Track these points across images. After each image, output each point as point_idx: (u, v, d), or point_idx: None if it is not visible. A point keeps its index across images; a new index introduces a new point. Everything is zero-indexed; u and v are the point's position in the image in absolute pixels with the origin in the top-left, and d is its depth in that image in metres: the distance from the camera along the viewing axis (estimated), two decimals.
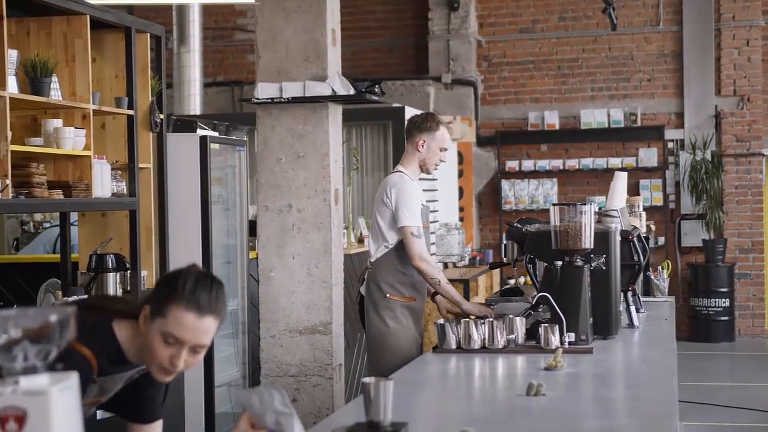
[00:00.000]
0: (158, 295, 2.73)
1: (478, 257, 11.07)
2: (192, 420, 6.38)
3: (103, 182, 5.59)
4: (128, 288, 5.90)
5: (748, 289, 13.03)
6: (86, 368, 2.70)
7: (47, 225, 8.58)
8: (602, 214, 5.36)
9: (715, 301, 12.61)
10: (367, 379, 2.84)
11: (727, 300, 12.64)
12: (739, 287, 12.93)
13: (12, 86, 4.96)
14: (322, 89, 5.66)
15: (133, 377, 2.90)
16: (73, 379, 1.87)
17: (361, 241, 9.01)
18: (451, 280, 9.25)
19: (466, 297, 8.97)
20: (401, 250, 5.30)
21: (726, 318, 12.66)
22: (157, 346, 2.70)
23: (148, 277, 6.15)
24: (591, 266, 4.62)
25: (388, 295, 5.35)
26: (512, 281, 10.36)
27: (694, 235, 12.98)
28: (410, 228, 5.23)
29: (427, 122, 5.44)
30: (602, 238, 4.72)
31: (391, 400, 2.83)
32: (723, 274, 12.67)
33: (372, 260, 5.45)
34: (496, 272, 11.21)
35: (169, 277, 2.79)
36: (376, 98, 5.96)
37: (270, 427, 2.53)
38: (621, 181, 5.86)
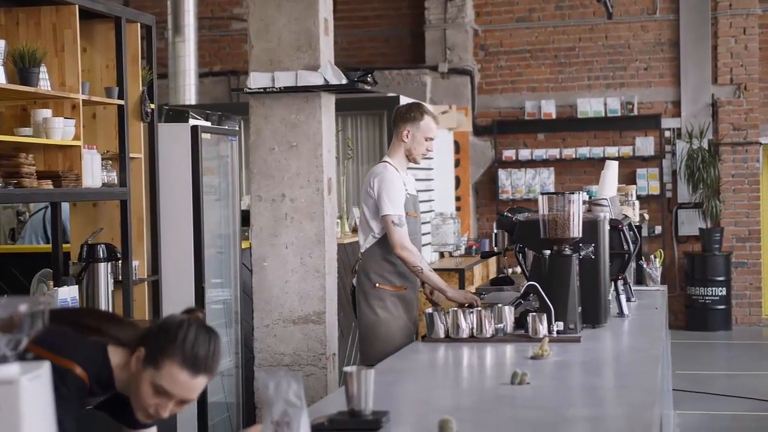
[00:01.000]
0: (155, 342, 2.70)
1: (474, 247, 11.07)
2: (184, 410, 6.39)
3: (93, 172, 5.59)
4: (119, 278, 5.90)
5: (744, 278, 13.03)
6: (81, 387, 2.69)
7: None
8: (592, 203, 5.36)
9: (712, 290, 12.62)
10: (348, 369, 2.85)
11: (724, 289, 12.64)
12: (735, 276, 12.93)
13: (0, 76, 4.95)
14: (314, 79, 5.66)
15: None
16: (44, 368, 1.88)
17: (355, 230, 9.00)
18: (447, 270, 9.33)
19: (461, 287, 8.98)
20: (388, 239, 5.32)
21: (723, 307, 12.67)
22: (145, 393, 2.70)
23: (140, 267, 6.15)
24: (580, 255, 4.63)
25: (377, 284, 5.38)
26: (509, 270, 10.36)
27: (690, 224, 12.98)
28: (391, 217, 5.26)
29: (411, 112, 5.46)
30: (591, 227, 4.72)
31: (372, 389, 2.84)
32: (720, 263, 12.67)
33: (361, 251, 5.48)
34: (493, 262, 11.21)
35: (169, 325, 2.74)
36: (369, 87, 5.96)
37: (274, 416, 2.53)
38: (612, 170, 5.86)
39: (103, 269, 5.71)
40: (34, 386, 1.84)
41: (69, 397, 2.62)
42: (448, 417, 2.78)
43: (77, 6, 5.51)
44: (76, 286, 5.56)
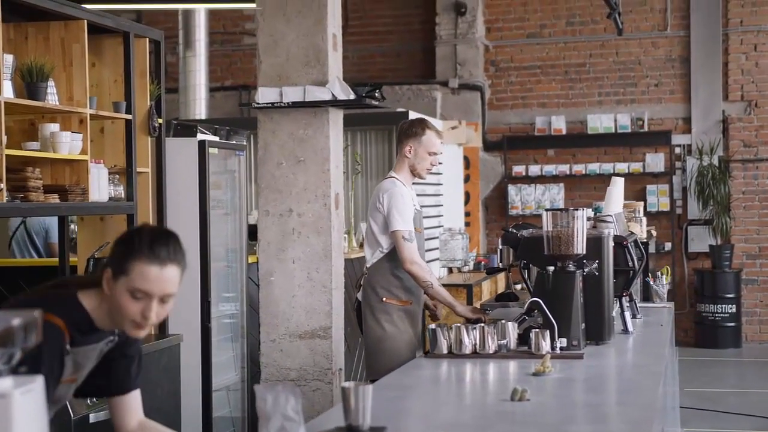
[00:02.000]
0: (117, 256, 2.82)
1: (483, 262, 11.06)
2: (189, 424, 6.40)
3: (100, 186, 5.62)
4: None
5: (755, 295, 12.99)
6: (59, 336, 2.79)
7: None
8: (597, 220, 5.36)
9: (722, 307, 12.58)
10: (346, 384, 2.86)
11: (734, 306, 12.60)
12: (746, 293, 12.89)
13: (8, 91, 4.99)
14: (322, 94, 5.67)
15: (104, 351, 2.97)
16: (37, 382, 1.89)
17: (362, 245, 9.01)
18: (455, 285, 9.32)
19: (469, 302, 8.98)
20: (396, 254, 5.35)
21: (733, 324, 12.62)
22: (126, 303, 2.78)
23: None
24: (583, 272, 4.61)
25: (384, 299, 5.41)
26: (518, 286, 10.35)
27: (700, 240, 12.95)
28: (402, 232, 5.30)
29: (413, 128, 5.51)
30: (595, 243, 4.72)
31: (369, 404, 2.85)
32: (730, 279, 12.63)
33: (368, 266, 5.51)
34: (501, 277, 11.20)
35: (123, 237, 2.88)
36: (376, 103, 5.98)
37: (271, 430, 2.54)
38: (617, 186, 5.86)
39: None
40: (27, 400, 1.85)
41: (48, 350, 2.69)
42: None
43: (86, 21, 5.55)
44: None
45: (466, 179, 12.78)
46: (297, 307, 5.77)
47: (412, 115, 9.68)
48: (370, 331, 5.47)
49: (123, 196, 5.91)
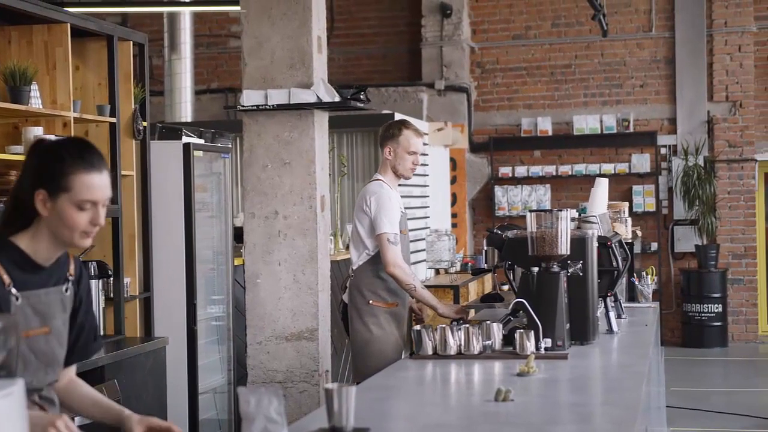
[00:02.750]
0: (48, 175, 2.77)
1: (470, 263, 11.08)
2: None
3: None
4: (111, 295, 5.91)
5: (741, 295, 13.03)
6: None
7: None
8: (581, 220, 5.37)
9: (708, 307, 12.62)
10: (329, 386, 2.86)
11: (720, 305, 12.64)
12: (732, 293, 12.93)
13: None
14: (307, 96, 5.68)
15: (66, 301, 2.93)
16: (17, 385, 1.89)
17: (348, 247, 9.02)
18: (441, 286, 9.33)
19: (456, 303, 8.99)
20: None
21: (719, 323, 12.66)
22: (73, 217, 2.77)
23: (131, 284, 6.16)
24: (568, 272, 4.63)
25: (371, 301, 5.44)
26: (506, 287, 10.37)
27: (686, 240, 12.98)
28: (387, 235, 5.32)
29: (390, 130, 5.56)
30: (579, 244, 4.73)
31: (353, 406, 2.85)
32: (716, 279, 12.67)
33: (354, 268, 5.52)
34: (488, 278, 11.22)
35: (44, 155, 2.82)
36: (362, 105, 5.98)
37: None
38: (601, 187, 5.88)
39: (95, 286, 5.72)
40: (6, 404, 1.85)
41: None
42: None
43: (69, 24, 5.55)
44: None
45: (453, 180, 12.80)
46: (283, 309, 5.77)
47: (398, 116, 9.70)
48: (357, 334, 5.48)
49: None
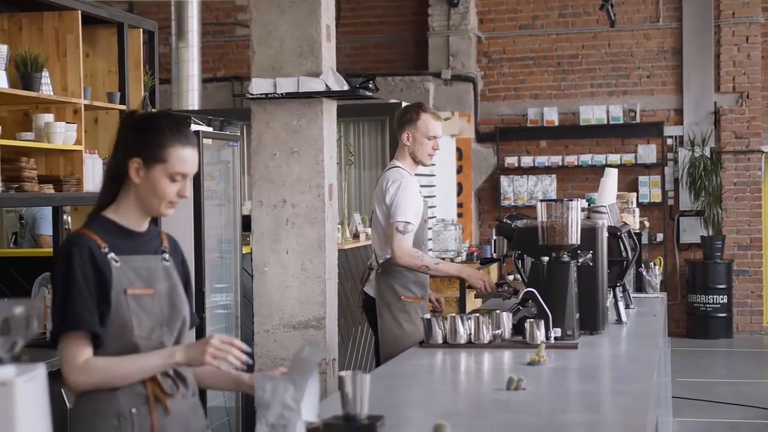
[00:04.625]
0: (146, 146, 2.93)
1: (476, 253, 11.07)
2: None
3: (95, 177, 5.61)
4: None
5: (746, 286, 13.04)
6: (87, 241, 2.89)
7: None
8: (591, 210, 5.37)
9: (713, 298, 12.62)
10: (343, 373, 2.86)
11: (725, 296, 12.65)
12: (737, 284, 12.94)
13: (2, 81, 4.99)
14: (315, 85, 5.67)
15: (169, 269, 3.05)
16: (39, 369, 1.90)
17: (356, 236, 9.03)
18: (447, 276, 9.29)
19: (462, 292, 8.98)
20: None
21: (724, 315, 12.67)
22: (164, 186, 2.94)
23: None
24: (578, 262, 4.63)
25: (403, 297, 5.35)
26: (511, 277, 10.37)
27: (692, 231, 12.99)
28: (399, 224, 5.24)
29: (407, 114, 5.44)
30: (589, 234, 4.73)
31: (367, 393, 2.86)
32: (721, 270, 12.67)
33: (380, 261, 5.43)
34: (496, 267, 11.22)
35: (142, 126, 2.97)
36: (370, 94, 5.97)
37: (270, 419, 2.55)
38: (611, 177, 5.88)
39: None
40: (29, 388, 1.85)
41: (77, 259, 2.85)
42: (442, 422, 2.80)
43: (80, 12, 5.55)
44: None
45: (459, 170, 12.80)
46: (291, 297, 5.77)
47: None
48: (387, 329, 5.37)
49: None
